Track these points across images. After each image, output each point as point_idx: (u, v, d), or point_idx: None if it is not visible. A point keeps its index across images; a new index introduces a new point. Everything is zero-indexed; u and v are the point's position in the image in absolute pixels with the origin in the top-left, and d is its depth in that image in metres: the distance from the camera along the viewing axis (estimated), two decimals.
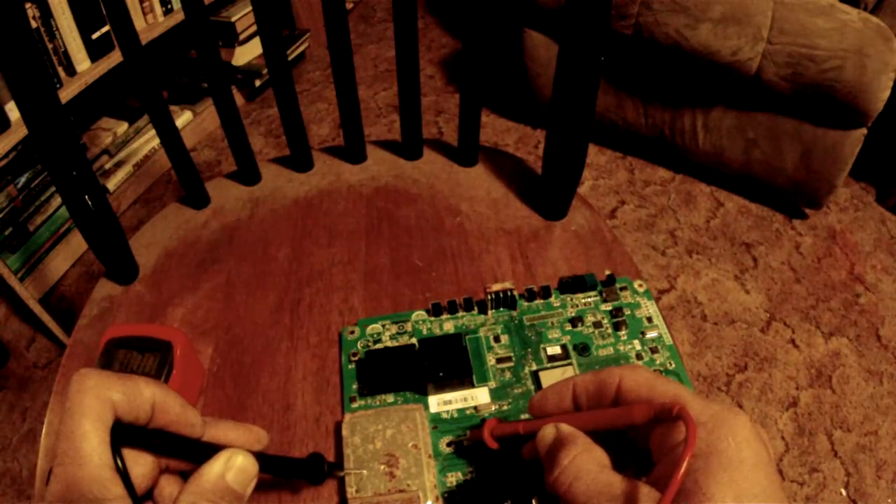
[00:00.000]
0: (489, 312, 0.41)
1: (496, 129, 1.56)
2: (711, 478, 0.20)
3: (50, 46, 1.06)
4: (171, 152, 0.51)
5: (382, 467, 0.32)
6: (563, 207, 0.51)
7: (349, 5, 2.12)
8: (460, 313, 0.41)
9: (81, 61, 1.13)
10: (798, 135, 1.17)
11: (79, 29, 1.10)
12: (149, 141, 1.42)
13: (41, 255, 1.19)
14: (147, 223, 0.54)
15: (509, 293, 0.40)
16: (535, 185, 0.54)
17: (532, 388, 0.37)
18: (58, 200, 1.21)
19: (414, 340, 0.40)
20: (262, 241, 0.51)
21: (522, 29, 1.37)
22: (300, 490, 0.34)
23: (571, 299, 0.41)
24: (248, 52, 1.61)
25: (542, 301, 0.42)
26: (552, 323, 0.40)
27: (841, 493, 0.89)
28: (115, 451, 0.22)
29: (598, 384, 0.26)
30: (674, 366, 0.38)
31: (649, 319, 0.40)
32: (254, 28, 1.59)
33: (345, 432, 0.34)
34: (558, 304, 0.41)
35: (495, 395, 0.37)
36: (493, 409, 0.36)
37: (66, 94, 1.09)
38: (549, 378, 0.37)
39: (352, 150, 0.57)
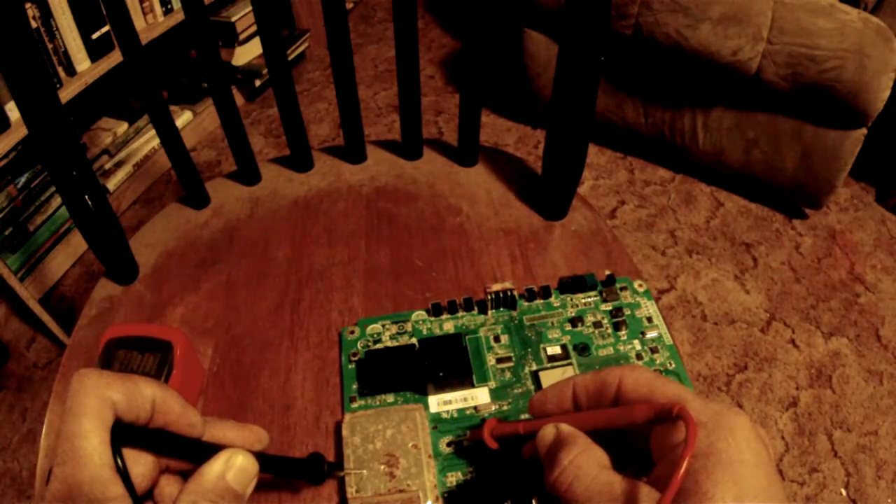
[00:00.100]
0: (489, 312, 0.41)
1: (496, 129, 1.56)
2: (711, 478, 0.20)
3: (50, 46, 1.06)
4: (171, 152, 0.51)
5: (382, 467, 0.32)
6: (563, 207, 0.51)
7: (349, 5, 2.12)
8: (460, 313, 0.41)
9: (81, 61, 1.13)
10: (798, 135, 1.17)
11: (79, 29, 1.10)
12: (149, 141, 1.42)
13: (41, 255, 1.19)
14: (147, 223, 0.54)
15: (509, 293, 0.40)
16: (535, 185, 0.54)
17: (532, 388, 0.37)
18: (58, 200, 1.21)
19: (414, 340, 0.40)
20: (261, 241, 0.51)
21: (522, 29, 1.37)
22: (300, 490, 0.34)
23: (571, 299, 0.41)
24: (248, 52, 1.61)
25: (542, 301, 0.42)
26: (552, 323, 0.40)
27: (841, 493, 0.89)
28: (116, 451, 0.22)
29: (598, 384, 0.26)
30: (674, 366, 0.38)
31: (649, 319, 0.40)
32: (254, 28, 1.59)
33: (345, 432, 0.34)
34: (558, 304, 0.41)
35: (495, 395, 0.37)
36: (493, 409, 0.36)
37: (66, 94, 1.09)
38: (549, 378, 0.37)
39: (352, 150, 0.57)
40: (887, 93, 1.04)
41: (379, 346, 0.40)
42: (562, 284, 0.42)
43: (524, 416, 0.36)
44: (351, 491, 0.32)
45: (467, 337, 0.40)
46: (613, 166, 1.45)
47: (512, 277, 0.46)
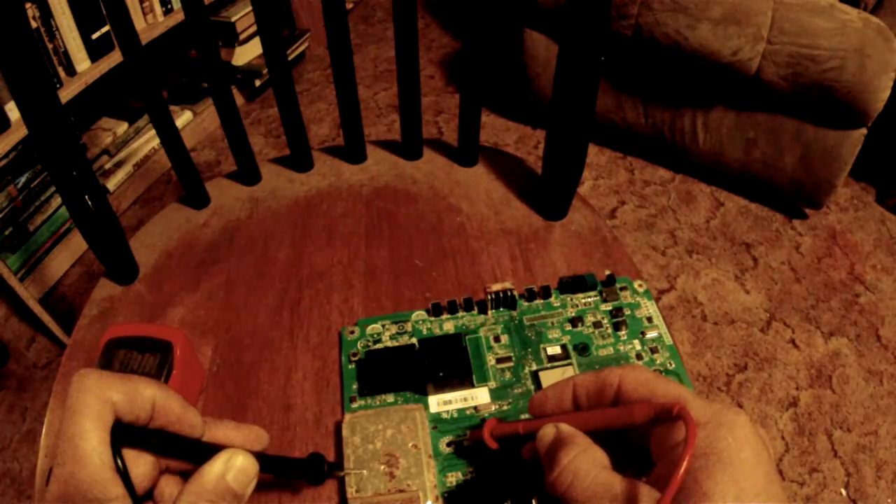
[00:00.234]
0: (489, 312, 0.41)
1: (496, 129, 1.56)
2: (711, 477, 0.20)
3: (50, 46, 1.06)
4: (171, 152, 0.51)
5: (382, 467, 0.32)
6: (563, 207, 0.51)
7: (349, 5, 2.12)
8: (460, 313, 0.41)
9: (81, 61, 1.13)
10: (798, 135, 1.17)
11: (79, 29, 1.10)
12: (149, 141, 1.42)
13: (41, 255, 1.19)
14: (147, 223, 0.54)
15: (509, 293, 0.40)
16: (535, 185, 0.54)
17: (532, 388, 0.37)
18: (58, 200, 1.21)
19: (414, 340, 0.40)
20: (261, 242, 0.51)
21: (522, 29, 1.37)
22: (300, 490, 0.34)
23: (571, 299, 0.41)
24: (248, 52, 1.61)
25: (542, 301, 0.42)
26: (552, 323, 0.40)
27: (841, 493, 0.89)
28: (115, 451, 0.22)
29: (598, 384, 0.26)
30: (674, 366, 0.38)
31: (649, 319, 0.40)
32: (254, 28, 1.59)
33: (345, 432, 0.34)
34: (558, 304, 0.41)
35: (495, 395, 0.37)
36: (493, 409, 0.36)
37: (66, 94, 1.09)
38: (549, 378, 0.37)
39: (352, 150, 0.57)
40: (887, 93, 1.04)
41: (379, 346, 0.40)
42: (562, 284, 0.42)
43: (524, 416, 0.36)
44: (351, 491, 0.32)
45: (467, 337, 0.40)
46: (613, 166, 1.45)
47: (512, 277, 0.46)
